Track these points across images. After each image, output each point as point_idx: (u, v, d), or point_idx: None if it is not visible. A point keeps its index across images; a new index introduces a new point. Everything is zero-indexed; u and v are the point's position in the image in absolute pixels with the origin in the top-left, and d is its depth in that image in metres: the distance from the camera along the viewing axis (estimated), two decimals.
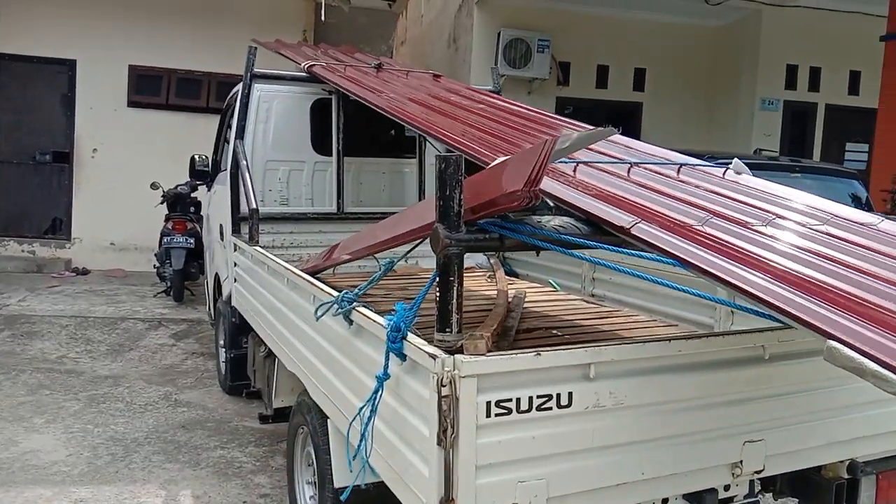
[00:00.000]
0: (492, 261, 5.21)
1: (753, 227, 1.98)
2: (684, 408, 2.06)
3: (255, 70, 4.80)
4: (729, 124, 10.46)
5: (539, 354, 1.84)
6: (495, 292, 4.23)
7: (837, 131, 10.47)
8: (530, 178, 1.62)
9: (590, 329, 3.26)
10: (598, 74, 10.87)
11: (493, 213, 1.81)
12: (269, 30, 10.21)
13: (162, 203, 8.71)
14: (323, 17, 8.93)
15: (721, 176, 2.78)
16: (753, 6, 9.88)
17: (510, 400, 1.82)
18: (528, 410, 1.85)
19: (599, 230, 1.96)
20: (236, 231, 4.78)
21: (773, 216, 2.08)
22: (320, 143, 5.24)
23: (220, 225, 5.29)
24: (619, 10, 10.46)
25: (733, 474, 2.21)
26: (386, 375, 2.01)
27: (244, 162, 4.58)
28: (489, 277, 4.72)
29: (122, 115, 9.85)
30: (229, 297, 5.12)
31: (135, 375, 5.85)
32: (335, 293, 2.53)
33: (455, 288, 1.89)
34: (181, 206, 8.74)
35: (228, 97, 5.86)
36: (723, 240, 1.85)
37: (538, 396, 1.86)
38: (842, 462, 2.45)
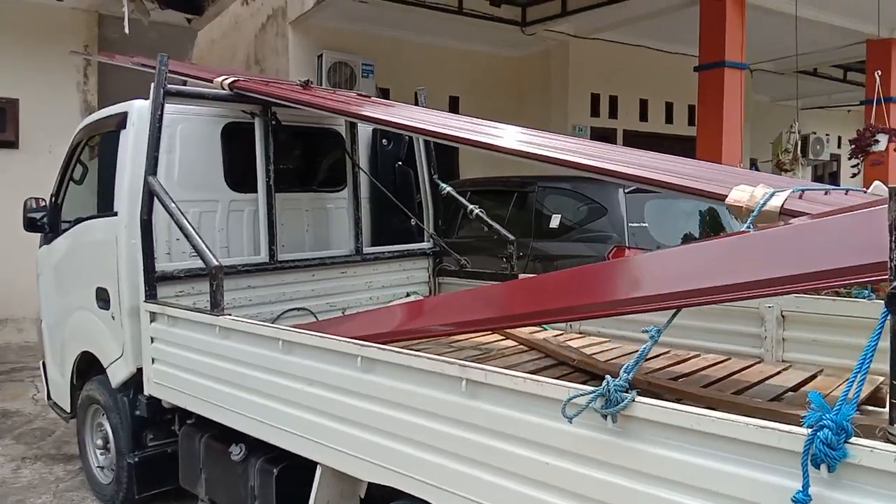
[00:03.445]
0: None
1: None
2: None
3: (169, 86, 3.70)
4: None
5: None
6: (511, 341, 3.68)
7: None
8: None
9: (708, 380, 2.88)
10: (416, 102, 10.63)
11: None
12: (42, 44, 8.50)
13: None
14: (127, 30, 7.49)
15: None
16: (561, 38, 10.39)
17: None
18: None
19: None
20: (151, 295, 3.62)
21: None
22: (234, 178, 4.23)
23: (101, 289, 3.99)
24: (436, 39, 10.37)
25: None
26: (807, 497, 1.43)
27: (172, 205, 3.47)
28: None
29: None
30: (127, 383, 3.89)
31: None
32: (561, 386, 1.86)
33: None
34: None
35: (80, 127, 4.53)
36: None
37: None
38: None
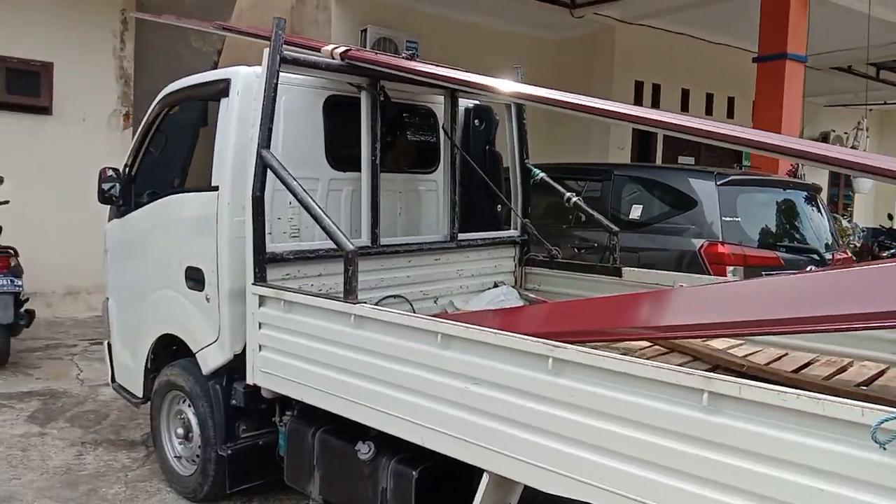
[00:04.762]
0: (531, 294, 4.43)
1: None
2: None
3: (286, 52, 3.42)
4: (584, 137, 10.57)
5: None
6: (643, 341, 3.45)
7: (672, 145, 11.20)
8: None
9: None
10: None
11: None
12: (78, 7, 8.12)
13: None
14: None
15: None
16: (608, 22, 10.12)
17: None
18: None
19: None
20: (261, 278, 3.36)
21: None
22: (335, 155, 3.97)
23: (193, 269, 3.73)
24: (480, 18, 10.07)
25: None
26: None
27: (294, 182, 3.21)
28: None
29: None
30: (219, 370, 3.65)
31: (28, 496, 3.94)
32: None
33: None
34: None
35: (162, 95, 4.23)
36: None
37: None
38: None
